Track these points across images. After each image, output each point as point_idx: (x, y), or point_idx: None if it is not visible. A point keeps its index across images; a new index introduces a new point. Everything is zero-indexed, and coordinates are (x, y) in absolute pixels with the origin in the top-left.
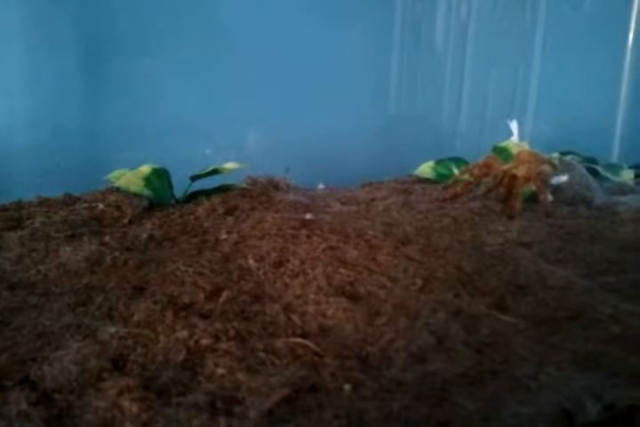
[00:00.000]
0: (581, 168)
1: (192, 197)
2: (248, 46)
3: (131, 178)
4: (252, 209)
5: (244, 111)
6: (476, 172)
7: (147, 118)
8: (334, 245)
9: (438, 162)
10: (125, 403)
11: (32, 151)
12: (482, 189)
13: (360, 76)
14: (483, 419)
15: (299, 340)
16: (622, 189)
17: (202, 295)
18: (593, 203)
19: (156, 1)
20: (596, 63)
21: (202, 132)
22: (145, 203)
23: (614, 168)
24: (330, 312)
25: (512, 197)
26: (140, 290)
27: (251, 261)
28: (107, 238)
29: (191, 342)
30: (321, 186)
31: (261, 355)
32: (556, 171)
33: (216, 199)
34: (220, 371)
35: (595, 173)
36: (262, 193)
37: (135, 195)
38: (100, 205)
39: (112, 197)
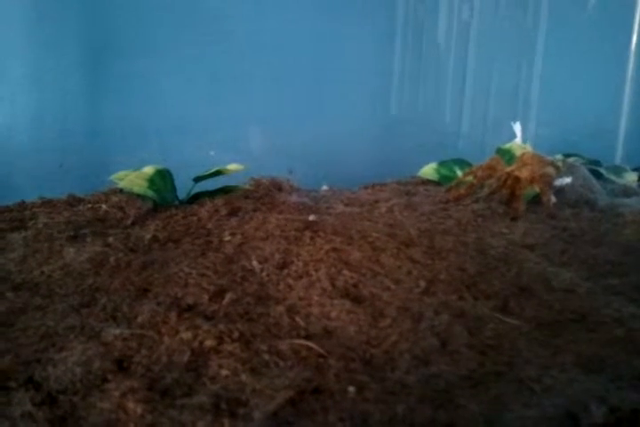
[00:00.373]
0: (584, 170)
1: (195, 198)
2: (252, 48)
3: (134, 179)
4: (256, 210)
5: (248, 113)
6: (479, 173)
7: (150, 119)
8: (338, 247)
9: (441, 163)
10: (130, 404)
11: (35, 152)
12: (485, 190)
13: (363, 77)
14: (487, 421)
15: (303, 342)
16: (626, 192)
17: (206, 297)
18: (596, 205)
19: (159, 2)
20: (600, 64)
21: (205, 134)
22: (148, 204)
23: (617, 170)
24: (334, 314)
25: (515, 198)
26: (143, 291)
27: (254, 263)
28: (110, 239)
29: (195, 344)
30: (324, 187)
31: (265, 357)
32: (560, 173)
33: (219, 200)
34: (225, 372)
35: (598, 175)
36: (266, 194)
37: (138, 196)
38: (104, 206)
39: (115, 198)
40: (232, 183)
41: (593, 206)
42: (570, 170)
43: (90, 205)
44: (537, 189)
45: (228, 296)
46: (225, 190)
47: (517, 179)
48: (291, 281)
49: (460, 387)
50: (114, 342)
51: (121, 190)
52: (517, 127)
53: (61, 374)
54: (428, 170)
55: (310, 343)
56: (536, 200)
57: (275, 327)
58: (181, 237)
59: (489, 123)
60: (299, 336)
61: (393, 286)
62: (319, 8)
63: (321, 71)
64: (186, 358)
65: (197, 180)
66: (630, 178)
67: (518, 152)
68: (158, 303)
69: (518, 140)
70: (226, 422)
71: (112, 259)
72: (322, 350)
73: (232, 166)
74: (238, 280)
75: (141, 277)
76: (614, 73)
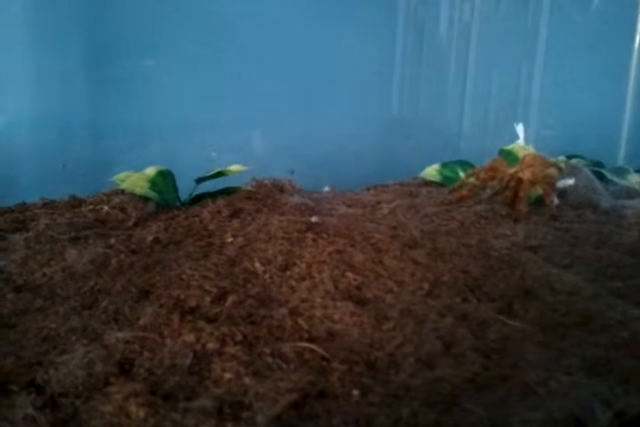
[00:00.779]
0: (587, 172)
1: (197, 199)
2: (253, 49)
3: (136, 180)
4: (258, 212)
5: (250, 114)
6: (481, 175)
7: (152, 120)
8: (341, 249)
9: (444, 165)
10: (132, 408)
11: (37, 153)
12: (488, 192)
13: (364, 78)
14: (491, 425)
15: (306, 344)
16: (629, 193)
17: (208, 299)
18: (599, 207)
19: (161, 2)
20: (602, 65)
21: (207, 135)
22: (150, 205)
23: (620, 172)
24: (337, 316)
25: (518, 200)
26: (145, 293)
27: (257, 265)
28: (112, 241)
29: (198, 347)
30: (326, 188)
31: (268, 359)
32: (562, 174)
33: (221, 202)
34: (227, 376)
35: (601, 176)
36: (268, 196)
37: (140, 197)
38: (106, 208)
39: (117, 200)
40: (234, 184)
41: (596, 208)
42: (572, 171)
43: (91, 207)
44: (540, 190)
45: (231, 298)
46: (227, 191)
47: (520, 180)
48: (293, 283)
49: (464, 390)
50: (116, 344)
51: (123, 191)
52: (520, 128)
53: (63, 377)
54: (431, 171)
55: (313, 346)
56: (539, 202)
57: (278, 330)
58: (183, 239)
59: (491, 124)
60: (302, 339)
61: (396, 289)
62: (321, 9)
63: (323, 72)
64: (188, 360)
65: (199, 181)
66: (633, 179)
67: (521, 154)
68: (160, 305)
69: (521, 141)
70: (229, 425)
71: (114, 260)
72: (325, 353)
73: (234, 167)
74: (241, 282)
75: (143, 278)
76: (617, 74)
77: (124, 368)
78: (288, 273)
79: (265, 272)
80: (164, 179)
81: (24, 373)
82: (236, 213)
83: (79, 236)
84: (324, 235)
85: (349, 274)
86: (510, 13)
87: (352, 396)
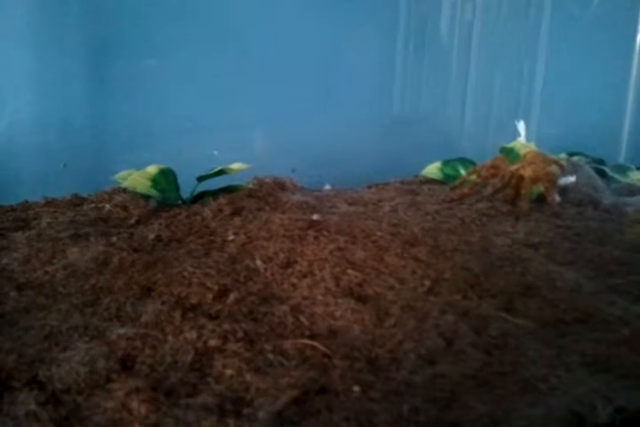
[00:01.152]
0: (589, 169)
1: (199, 197)
2: (255, 48)
3: (137, 178)
4: (259, 210)
5: (251, 112)
6: (483, 173)
7: (154, 119)
8: (342, 246)
9: (445, 163)
10: (134, 404)
11: (39, 152)
12: (489, 189)
13: (366, 76)
14: (492, 421)
15: (307, 341)
16: (630, 190)
17: (209, 296)
18: (601, 204)
19: (163, 2)
20: (604, 63)
21: (209, 133)
22: (152, 203)
23: (622, 169)
24: (338, 313)
25: (519, 197)
26: (147, 291)
27: (258, 262)
28: (114, 239)
29: (199, 343)
30: (327, 187)
31: (270, 356)
32: (564, 172)
33: (223, 200)
34: (229, 372)
35: (602, 173)
36: (269, 194)
37: (142, 195)
38: (107, 206)
39: (119, 198)
40: (235, 183)
41: (597, 205)
42: (574, 169)
43: (93, 205)
44: (541, 187)
45: (232, 296)
46: (228, 190)
47: (521, 178)
48: (295, 280)
49: (465, 387)
50: (118, 341)
51: (124, 190)
52: (521, 126)
53: (65, 374)
54: (432, 169)
55: (315, 343)
56: (540, 199)
57: (279, 327)
58: (185, 237)
59: (493, 122)
60: (303, 336)
61: (397, 286)
62: (322, 8)
63: (324, 71)
64: (190, 357)
65: (201, 179)
66: (635, 177)
67: (522, 151)
68: (162, 303)
69: (522, 138)
70: (230, 421)
71: (116, 258)
72: (326, 350)
73: (235, 166)
74: (242, 280)
75: (145, 276)
76: (618, 71)
77: (126, 365)
78: (289, 270)
79: (266, 270)
80: (166, 177)
81: (26, 369)
82: (237, 211)
83: (81, 234)
84: (326, 232)
85: (350, 271)
86: (512, 11)
87: (353, 392)
